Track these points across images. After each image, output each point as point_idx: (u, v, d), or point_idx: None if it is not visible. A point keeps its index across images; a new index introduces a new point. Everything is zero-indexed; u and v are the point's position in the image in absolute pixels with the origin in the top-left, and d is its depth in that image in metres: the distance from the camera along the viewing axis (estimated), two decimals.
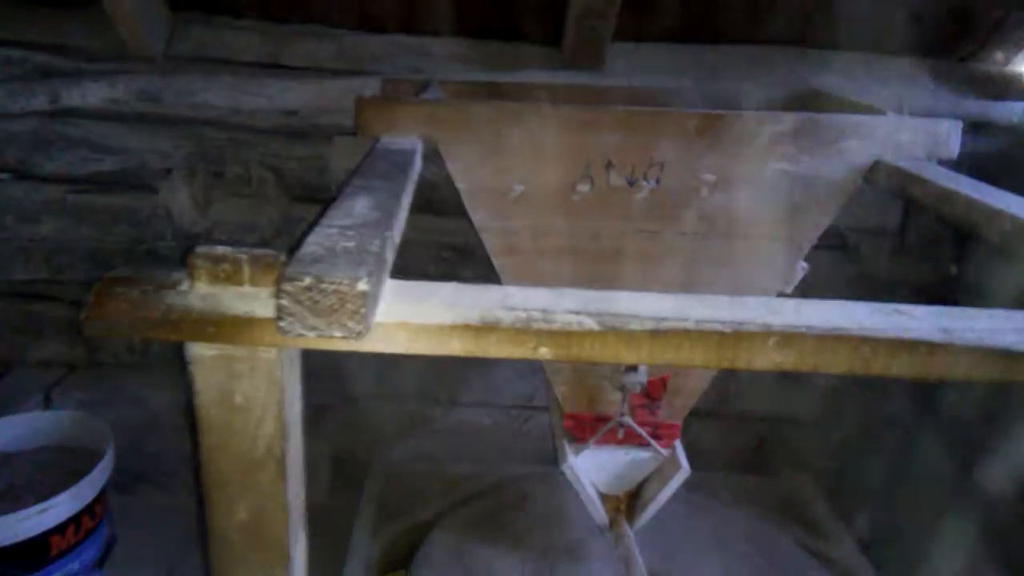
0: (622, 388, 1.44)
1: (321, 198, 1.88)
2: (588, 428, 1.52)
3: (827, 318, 0.74)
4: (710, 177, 1.35)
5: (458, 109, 1.33)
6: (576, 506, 1.54)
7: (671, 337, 0.73)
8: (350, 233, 0.77)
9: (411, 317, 0.71)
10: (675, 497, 1.86)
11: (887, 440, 2.20)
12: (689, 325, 0.73)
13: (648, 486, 1.53)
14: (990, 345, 0.73)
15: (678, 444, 1.53)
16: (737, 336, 0.73)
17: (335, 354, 2.07)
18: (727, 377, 2.15)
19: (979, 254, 1.99)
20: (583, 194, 1.36)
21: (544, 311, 0.72)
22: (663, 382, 1.48)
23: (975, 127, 1.83)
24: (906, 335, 0.73)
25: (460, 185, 1.35)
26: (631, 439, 1.51)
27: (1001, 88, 1.94)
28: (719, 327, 0.73)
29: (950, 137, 1.35)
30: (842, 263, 2.03)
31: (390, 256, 0.79)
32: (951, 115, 1.49)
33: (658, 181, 1.36)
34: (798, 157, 1.34)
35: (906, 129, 1.34)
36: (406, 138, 1.30)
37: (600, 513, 1.50)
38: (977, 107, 1.90)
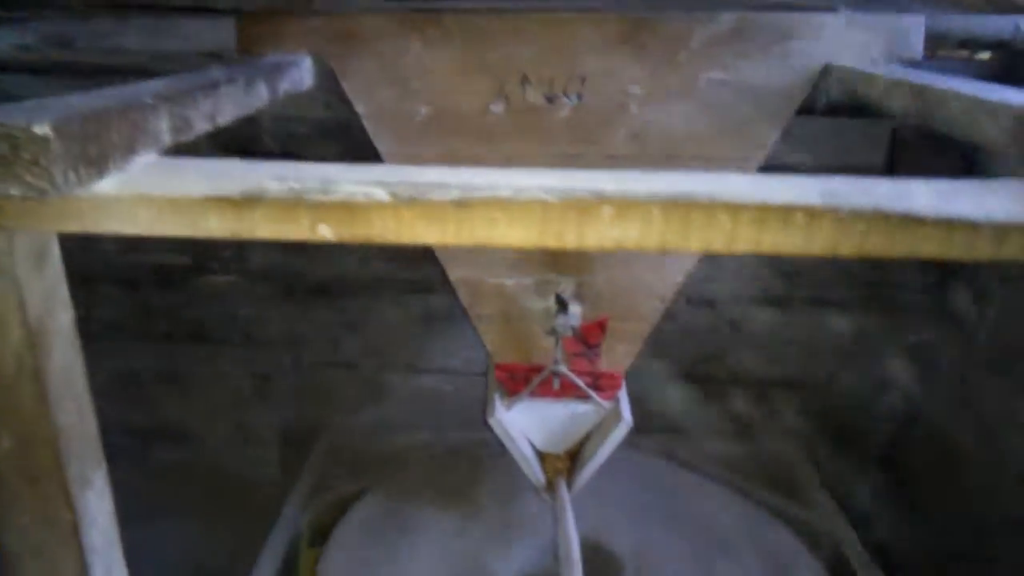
0: (552, 333, 1.30)
1: (252, 148, 1.76)
2: (522, 380, 1.38)
3: (677, 184, 0.60)
4: (638, 90, 1.20)
5: (349, 20, 1.20)
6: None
7: (481, 209, 0.59)
8: (113, 99, 0.64)
9: (155, 189, 0.58)
10: (647, 470, 1.73)
11: (885, 402, 2.03)
12: (505, 194, 0.59)
13: (589, 442, 1.39)
14: (889, 210, 0.58)
15: (622, 395, 1.38)
16: (564, 207, 0.59)
17: (288, 319, 1.97)
18: (711, 338, 1.99)
19: None
20: (497, 115, 1.22)
21: (323, 181, 0.59)
22: (600, 327, 1.33)
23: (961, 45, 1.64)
24: (776, 200, 0.58)
25: (360, 109, 1.22)
26: (569, 391, 1.37)
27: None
28: (542, 196, 0.59)
29: (911, 34, 1.18)
30: None
31: (163, 128, 0.66)
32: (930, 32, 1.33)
33: (580, 97, 1.21)
34: (736, 64, 1.18)
35: (860, 27, 1.18)
36: (293, 56, 1.17)
37: (534, 472, 1.36)
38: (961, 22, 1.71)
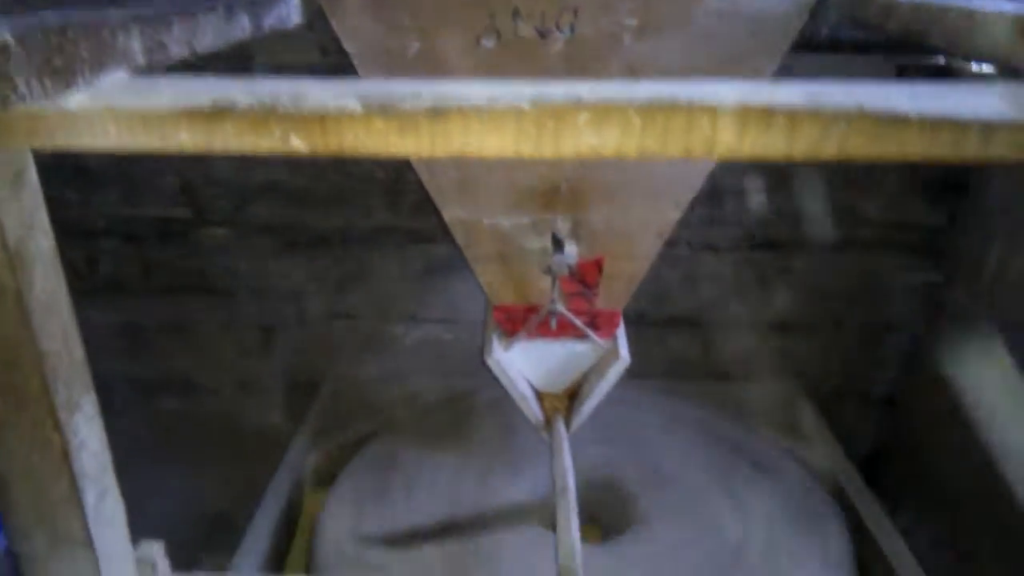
0: (549, 271, 1.29)
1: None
2: (520, 321, 1.38)
3: (655, 89, 0.58)
4: (632, 22, 1.18)
5: None
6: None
7: (456, 118, 0.58)
8: (81, 17, 0.63)
9: (125, 103, 0.57)
10: (643, 403, 1.73)
11: (890, 345, 2.02)
12: (479, 103, 0.58)
13: (587, 381, 1.39)
14: (872, 110, 0.57)
15: (620, 333, 1.38)
16: (540, 113, 0.58)
17: (289, 271, 1.97)
18: (714, 283, 1.98)
19: None
20: (489, 50, 1.20)
21: (295, 93, 0.58)
22: (597, 265, 1.33)
23: None
24: (757, 102, 0.57)
25: (349, 48, 1.20)
26: (567, 330, 1.37)
27: None
28: (517, 103, 0.58)
29: None
30: None
31: (135, 48, 0.65)
32: None
33: (573, 30, 1.19)
34: None
35: None
36: None
37: (533, 411, 1.37)
38: None
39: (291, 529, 1.54)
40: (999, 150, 0.57)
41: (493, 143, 0.58)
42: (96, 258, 1.94)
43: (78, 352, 0.74)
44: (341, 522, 1.35)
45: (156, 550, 0.92)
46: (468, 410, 1.70)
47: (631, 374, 1.89)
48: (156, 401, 1.99)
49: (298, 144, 0.58)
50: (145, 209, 1.91)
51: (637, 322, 1.99)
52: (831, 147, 0.57)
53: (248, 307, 1.96)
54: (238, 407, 1.98)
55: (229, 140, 0.58)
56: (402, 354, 2.04)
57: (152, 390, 1.99)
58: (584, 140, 0.58)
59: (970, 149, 0.57)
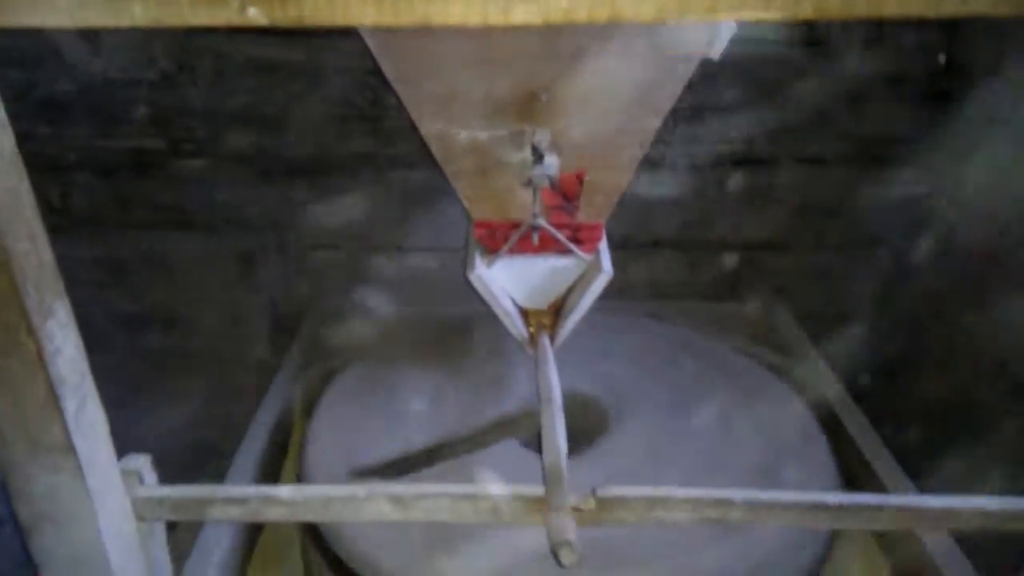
0: (530, 184, 1.27)
1: None
2: (501, 237, 1.37)
3: None
4: None
5: None
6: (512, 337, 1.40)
7: None
8: None
9: None
10: (623, 324, 1.74)
11: (874, 263, 2.03)
12: None
13: (571, 296, 1.39)
14: None
15: (602, 247, 1.37)
16: None
17: (267, 201, 1.94)
18: (691, 203, 1.97)
19: (975, 36, 1.76)
20: None
21: None
22: (578, 178, 1.31)
23: None
24: None
25: None
26: (549, 245, 1.36)
27: None
28: None
29: None
30: (809, 58, 1.80)
31: None
32: None
33: None
34: None
35: None
36: None
37: (517, 327, 1.37)
38: None
39: (280, 455, 1.55)
40: (978, 5, 0.55)
41: (457, 10, 0.56)
42: (69, 192, 1.90)
43: (47, 255, 0.73)
44: (326, 450, 1.36)
45: (142, 462, 0.92)
46: (454, 333, 1.70)
47: (615, 296, 1.90)
48: (139, 336, 1.98)
49: (256, 15, 0.56)
50: (117, 141, 1.87)
51: (623, 245, 2.00)
52: (807, 7, 0.56)
53: (228, 239, 1.94)
54: (223, 340, 1.97)
55: (184, 13, 0.56)
56: (386, 283, 2.03)
57: (135, 325, 1.97)
58: (554, 3, 0.56)
59: (948, 7, 0.55)
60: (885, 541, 1.39)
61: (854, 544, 1.40)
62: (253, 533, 1.41)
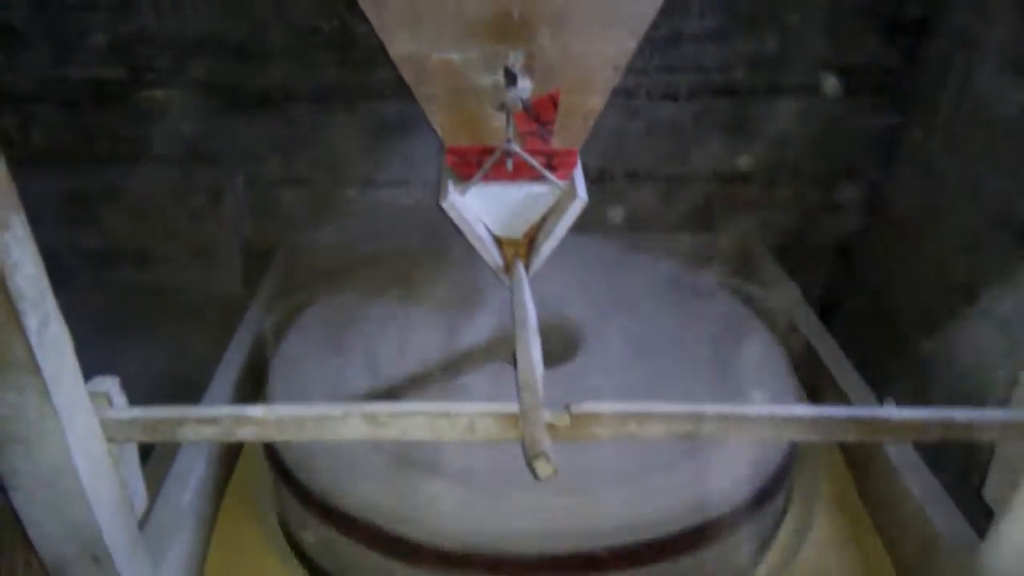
0: (503, 108, 1.25)
1: None
2: (475, 164, 1.35)
3: None
4: None
5: None
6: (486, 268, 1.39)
7: None
8: None
9: None
10: (597, 254, 1.74)
11: (850, 191, 2.03)
12: None
13: (546, 223, 1.38)
14: None
15: (577, 173, 1.36)
16: None
17: (234, 133, 1.89)
18: (667, 135, 1.95)
19: None
20: None
21: None
22: (552, 101, 1.29)
23: None
24: None
25: None
26: (523, 172, 1.34)
27: None
28: None
29: None
30: None
31: None
32: None
33: None
34: None
35: None
36: None
37: (492, 255, 1.36)
38: None
39: (254, 389, 1.53)
40: None
41: None
42: (28, 125, 1.84)
43: (0, 167, 0.70)
44: (294, 381, 1.35)
45: (110, 384, 0.91)
46: (428, 265, 1.69)
47: (591, 229, 1.89)
48: (108, 273, 1.94)
49: None
50: (75, 69, 1.80)
51: (599, 178, 1.98)
52: None
53: (194, 172, 1.89)
54: (193, 276, 1.94)
55: None
56: (358, 218, 2.00)
57: (102, 262, 1.93)
58: None
59: None
60: (850, 457, 1.43)
61: (819, 461, 1.43)
62: (227, 463, 1.41)
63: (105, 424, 0.89)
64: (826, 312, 1.69)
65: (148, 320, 1.88)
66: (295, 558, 1.29)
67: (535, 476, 0.86)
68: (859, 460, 1.40)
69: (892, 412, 0.92)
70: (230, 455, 1.42)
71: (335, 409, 0.91)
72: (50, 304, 0.79)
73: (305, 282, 1.74)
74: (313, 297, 1.58)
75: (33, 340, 0.75)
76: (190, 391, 1.45)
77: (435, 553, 1.11)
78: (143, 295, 1.95)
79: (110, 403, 0.90)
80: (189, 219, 1.93)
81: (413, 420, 0.92)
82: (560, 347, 1.42)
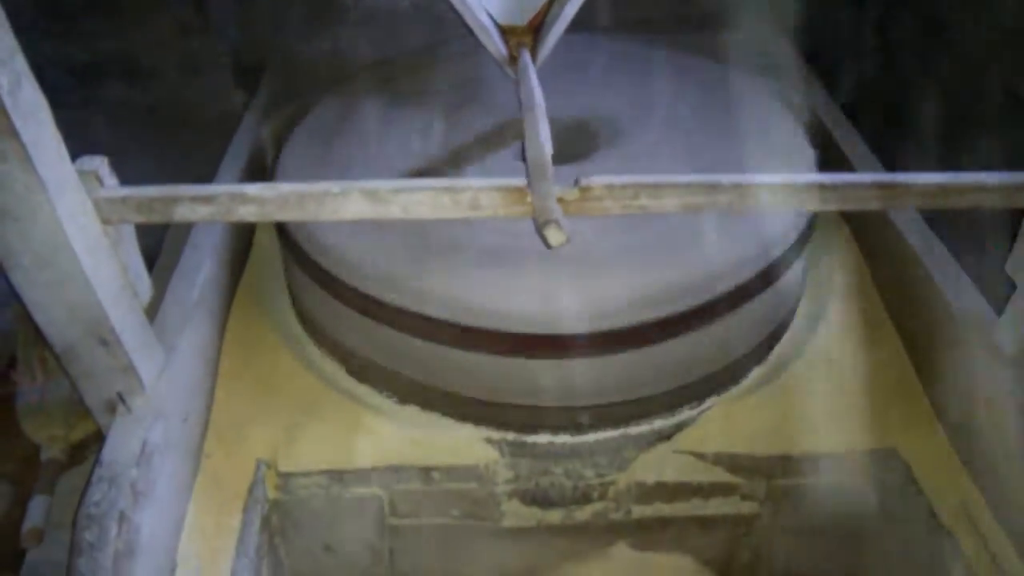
0: None
1: None
2: None
3: None
4: None
5: None
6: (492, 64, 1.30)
7: None
8: None
9: None
10: (616, 50, 1.64)
11: None
12: None
13: (553, 7, 1.28)
14: None
15: None
16: None
17: None
18: None
19: None
20: None
21: None
22: None
23: None
24: None
25: None
26: None
27: None
28: None
29: None
30: None
31: None
32: None
33: None
34: None
35: None
36: None
37: (495, 43, 1.27)
38: None
39: None
40: None
41: None
42: None
43: None
44: (298, 177, 1.30)
45: (99, 163, 0.87)
46: (428, 66, 1.60)
47: (603, 28, 1.78)
48: (97, 87, 1.86)
49: None
50: None
51: None
52: None
53: None
54: (185, 90, 1.86)
55: None
56: (353, 26, 1.89)
57: (91, 76, 1.85)
58: None
59: None
60: (865, 246, 1.40)
61: (834, 254, 1.41)
62: (236, 265, 1.39)
63: (97, 203, 0.85)
64: (847, 104, 1.60)
65: (143, 137, 1.82)
66: (312, 348, 1.30)
67: (547, 245, 0.83)
68: (875, 248, 1.36)
69: (918, 176, 0.88)
70: (238, 256, 1.41)
71: (336, 186, 0.88)
72: (20, 64, 0.74)
73: (301, 91, 1.65)
74: (311, 103, 1.50)
75: (7, 101, 0.71)
76: None
77: (458, 330, 1.10)
78: (136, 112, 1.88)
79: (100, 182, 0.86)
80: (177, 31, 1.83)
81: (416, 196, 0.88)
82: (577, 148, 1.35)
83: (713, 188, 0.88)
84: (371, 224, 0.93)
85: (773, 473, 1.20)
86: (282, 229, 1.28)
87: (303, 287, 1.29)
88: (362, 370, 1.24)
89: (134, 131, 1.84)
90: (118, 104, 1.88)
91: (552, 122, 1.04)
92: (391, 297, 1.12)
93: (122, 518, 0.86)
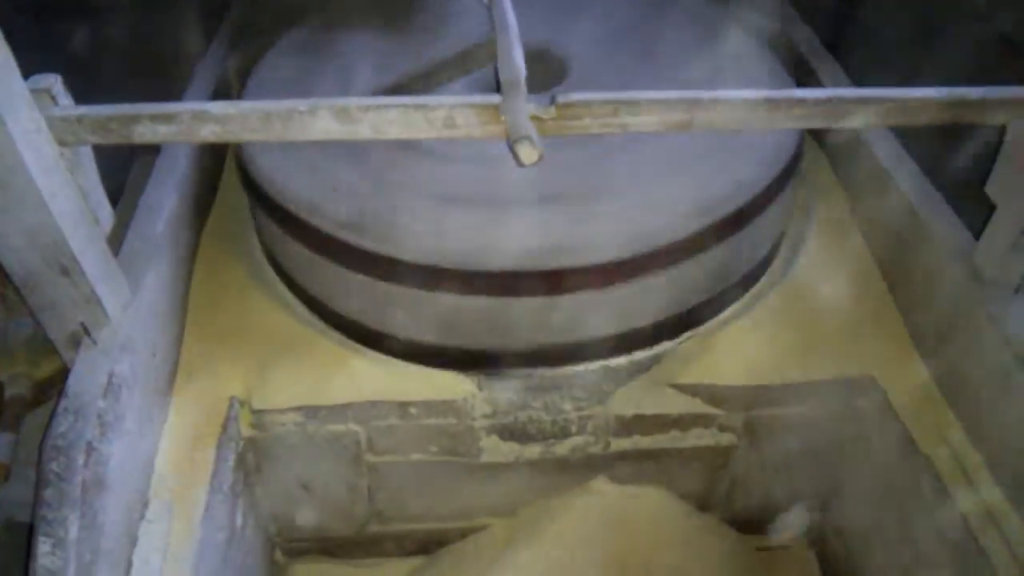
0: None
1: None
2: None
3: None
4: None
5: None
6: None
7: None
8: None
9: None
10: None
11: None
12: None
13: None
14: None
15: None
16: None
17: None
18: None
19: None
20: None
21: None
22: None
23: None
24: None
25: None
26: None
27: None
28: None
29: None
30: None
31: None
32: None
33: None
34: None
35: None
36: None
37: None
38: None
39: None
40: None
41: None
42: None
43: None
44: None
45: (52, 81, 0.83)
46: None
47: None
48: (50, 26, 1.78)
49: None
50: None
51: None
52: None
53: None
54: (143, 27, 1.78)
55: None
56: None
57: (46, 15, 1.76)
58: None
59: None
60: (845, 177, 1.39)
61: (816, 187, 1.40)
62: (202, 199, 1.35)
63: (51, 122, 0.81)
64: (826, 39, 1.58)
65: (100, 77, 1.74)
66: (280, 287, 1.27)
67: (519, 162, 0.81)
68: (855, 178, 1.35)
69: (901, 91, 0.86)
70: (204, 194, 1.37)
71: (302, 103, 0.84)
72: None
73: (267, 24, 1.59)
74: (277, 36, 1.45)
75: None
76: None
77: (426, 271, 1.08)
78: (95, 52, 1.80)
79: (54, 101, 0.82)
80: None
81: (386, 114, 0.85)
82: (545, 74, 1.31)
83: (693, 104, 0.86)
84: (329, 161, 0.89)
85: (750, 404, 1.20)
86: (242, 170, 1.25)
87: (264, 227, 1.25)
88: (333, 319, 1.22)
89: (91, 73, 1.76)
90: (76, 44, 1.80)
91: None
92: (358, 240, 1.09)
93: (89, 449, 0.84)
